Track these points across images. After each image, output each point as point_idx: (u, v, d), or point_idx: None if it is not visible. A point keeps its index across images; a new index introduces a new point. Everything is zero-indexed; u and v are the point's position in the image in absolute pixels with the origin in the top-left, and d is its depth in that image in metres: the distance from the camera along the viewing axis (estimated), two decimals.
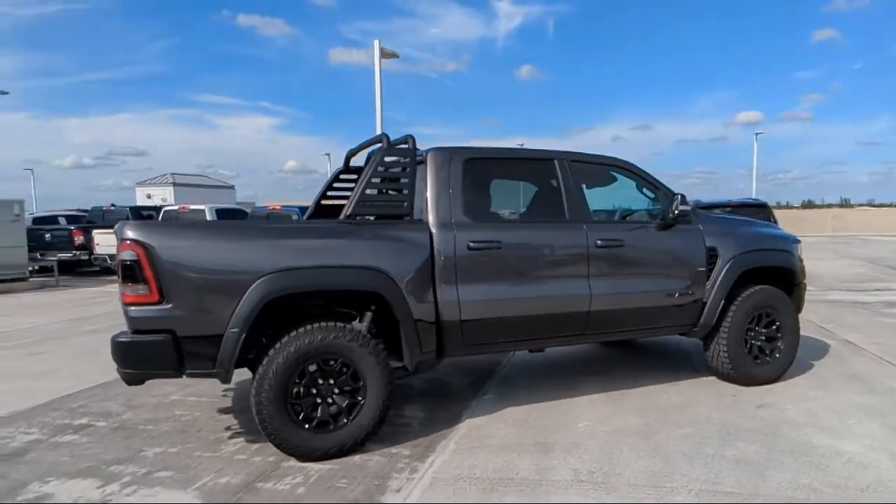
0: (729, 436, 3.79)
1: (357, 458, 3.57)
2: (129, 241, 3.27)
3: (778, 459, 3.42)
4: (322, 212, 5.07)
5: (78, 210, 19.21)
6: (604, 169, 4.72)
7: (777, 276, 4.98)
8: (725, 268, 4.66)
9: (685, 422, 4.05)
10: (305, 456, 3.49)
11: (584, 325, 4.32)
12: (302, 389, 3.51)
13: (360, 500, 3.06)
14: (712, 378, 4.99)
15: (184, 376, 3.43)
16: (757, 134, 38.50)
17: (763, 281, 4.89)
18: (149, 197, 35.62)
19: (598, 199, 4.87)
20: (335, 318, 3.68)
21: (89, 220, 16.56)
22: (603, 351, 6.24)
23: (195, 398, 4.79)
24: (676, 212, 4.38)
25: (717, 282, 4.63)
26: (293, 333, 3.46)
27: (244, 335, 3.34)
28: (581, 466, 3.38)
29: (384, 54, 11.83)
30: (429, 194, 3.96)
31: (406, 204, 3.90)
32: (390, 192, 3.97)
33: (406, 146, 4.03)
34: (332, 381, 3.58)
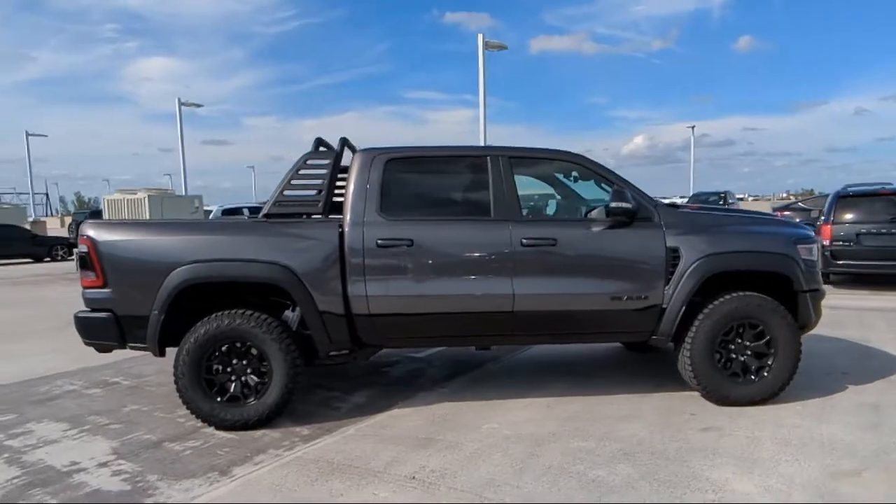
0: (623, 456, 3.46)
1: (261, 431, 3.99)
2: (83, 237, 4.06)
3: (636, 486, 3.09)
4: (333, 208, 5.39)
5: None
6: (550, 164, 4.47)
7: (773, 282, 4.28)
8: (687, 271, 4.14)
9: (596, 435, 3.77)
10: (215, 424, 4.01)
11: (511, 326, 4.20)
12: (219, 367, 4.02)
13: (222, 467, 3.48)
14: (696, 394, 4.46)
15: (128, 348, 4.15)
16: None
17: (754, 287, 4.24)
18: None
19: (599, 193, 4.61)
20: (269, 307, 4.13)
21: None
22: (623, 353, 5.84)
23: None
24: (611, 208, 4.03)
25: (678, 287, 4.15)
26: (206, 318, 3.98)
27: (163, 317, 3.95)
28: (431, 464, 3.41)
29: (490, 46, 11.91)
30: (349, 194, 4.19)
31: (320, 204, 4.19)
32: (308, 192, 4.28)
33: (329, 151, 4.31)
34: (245, 362, 4.05)
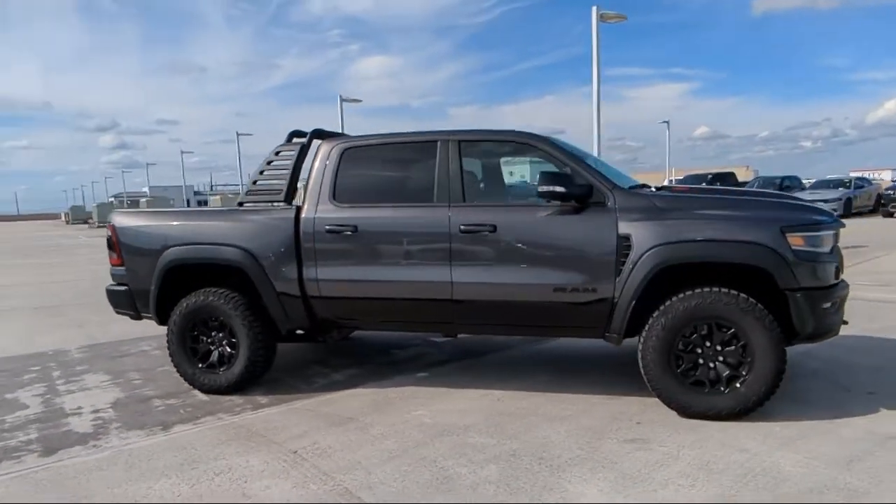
0: (507, 457, 3.26)
1: (231, 397, 4.46)
2: (109, 223, 4.88)
3: (479, 489, 2.92)
4: None
5: None
6: (502, 146, 4.23)
7: (757, 277, 3.59)
8: (638, 262, 3.67)
9: (507, 433, 3.57)
10: (196, 387, 4.57)
11: (454, 315, 4.12)
12: (204, 338, 4.58)
13: (169, 423, 3.99)
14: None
15: (142, 317, 4.90)
16: None
17: (741, 284, 3.62)
18: (510, 174, 39.87)
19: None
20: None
21: None
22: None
23: None
24: (540, 192, 3.72)
25: (627, 279, 3.70)
26: (190, 295, 4.56)
27: (157, 292, 4.60)
28: (324, 442, 3.54)
29: (606, 18, 11.01)
30: (308, 182, 4.45)
31: (284, 192, 4.50)
32: (275, 181, 4.60)
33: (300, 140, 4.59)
34: (221, 335, 4.56)
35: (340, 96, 19.58)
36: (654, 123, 37.74)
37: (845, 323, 3.95)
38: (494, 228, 3.95)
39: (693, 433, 3.48)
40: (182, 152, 42.57)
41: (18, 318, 8.11)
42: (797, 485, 2.84)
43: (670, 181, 30.91)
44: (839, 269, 3.77)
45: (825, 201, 20.33)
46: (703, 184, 24.92)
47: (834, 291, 3.63)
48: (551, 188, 3.70)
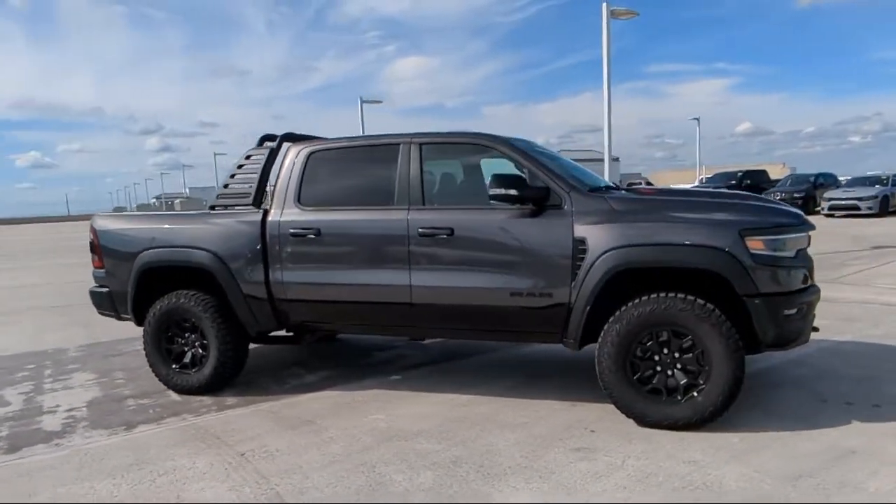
0: (448, 464, 3.22)
1: (201, 397, 4.52)
2: (91, 227, 5.01)
3: (409, 495, 2.88)
4: None
5: None
6: (463, 148, 4.17)
7: (717, 282, 3.46)
8: (592, 266, 3.57)
9: (456, 439, 3.53)
10: (170, 387, 4.64)
11: (413, 319, 4.10)
12: (179, 339, 4.66)
13: (134, 423, 4.07)
14: None
15: (122, 319, 5.01)
16: None
17: (695, 288, 3.50)
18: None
19: None
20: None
21: None
22: None
23: None
24: (490, 194, 3.66)
25: (582, 283, 3.61)
26: (164, 297, 4.63)
27: (135, 294, 4.70)
28: (273, 445, 3.56)
29: (617, 14, 10.76)
30: (277, 186, 4.48)
31: (252, 196, 4.53)
32: (245, 185, 4.63)
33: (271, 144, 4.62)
34: (194, 337, 4.63)
35: (361, 98, 19.75)
36: (694, 120, 36.99)
37: (816, 330, 3.78)
38: (452, 232, 3.91)
39: (645, 443, 3.37)
40: (216, 154, 43.59)
41: (33, 317, 8.41)
42: (734, 500, 2.73)
43: (701, 180, 30.21)
44: (808, 274, 3.61)
45: (859, 199, 19.54)
46: (733, 182, 24.30)
47: (798, 297, 3.47)
48: (502, 191, 3.64)
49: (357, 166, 4.42)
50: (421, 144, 4.15)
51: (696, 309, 3.39)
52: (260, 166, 4.57)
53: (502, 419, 3.84)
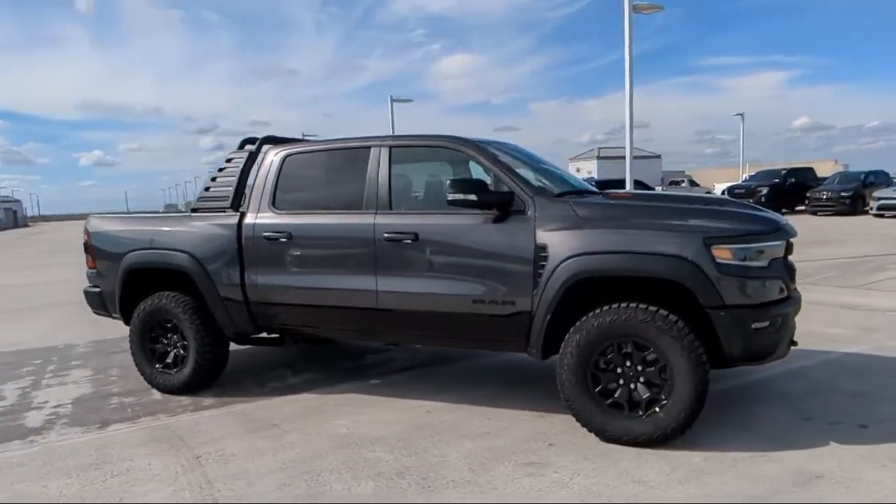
0: (392, 474, 3.17)
1: (181, 397, 4.59)
2: (85, 228, 5.15)
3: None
4: None
5: None
6: (432, 151, 4.10)
7: (681, 293, 3.29)
8: (553, 274, 3.45)
9: (411, 448, 3.47)
10: (154, 386, 4.74)
11: (380, 324, 4.06)
12: (163, 339, 4.74)
13: (109, 421, 4.16)
14: None
15: (113, 317, 5.13)
16: None
17: (664, 298, 3.34)
18: (577, 171, 38.53)
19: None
20: None
21: None
22: None
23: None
24: (448, 200, 3.58)
25: (543, 291, 3.49)
26: (148, 298, 4.73)
27: (121, 294, 4.81)
28: (231, 448, 3.58)
29: (640, 9, 10.41)
30: (254, 189, 4.51)
31: (229, 198, 4.57)
32: (225, 188, 4.67)
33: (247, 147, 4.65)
34: (176, 337, 4.70)
35: (391, 97, 19.85)
36: (747, 115, 35.87)
37: (794, 344, 3.56)
38: (416, 236, 3.85)
39: (601, 460, 3.24)
40: None
41: (50, 313, 8.74)
42: None
43: (745, 178, 29.18)
44: (785, 285, 3.39)
45: None
46: (776, 180, 23.36)
47: (771, 309, 3.27)
48: (461, 196, 3.56)
49: (330, 170, 4.40)
50: (391, 147, 4.10)
51: (657, 320, 3.24)
52: (238, 169, 4.61)
53: (465, 428, 3.77)
